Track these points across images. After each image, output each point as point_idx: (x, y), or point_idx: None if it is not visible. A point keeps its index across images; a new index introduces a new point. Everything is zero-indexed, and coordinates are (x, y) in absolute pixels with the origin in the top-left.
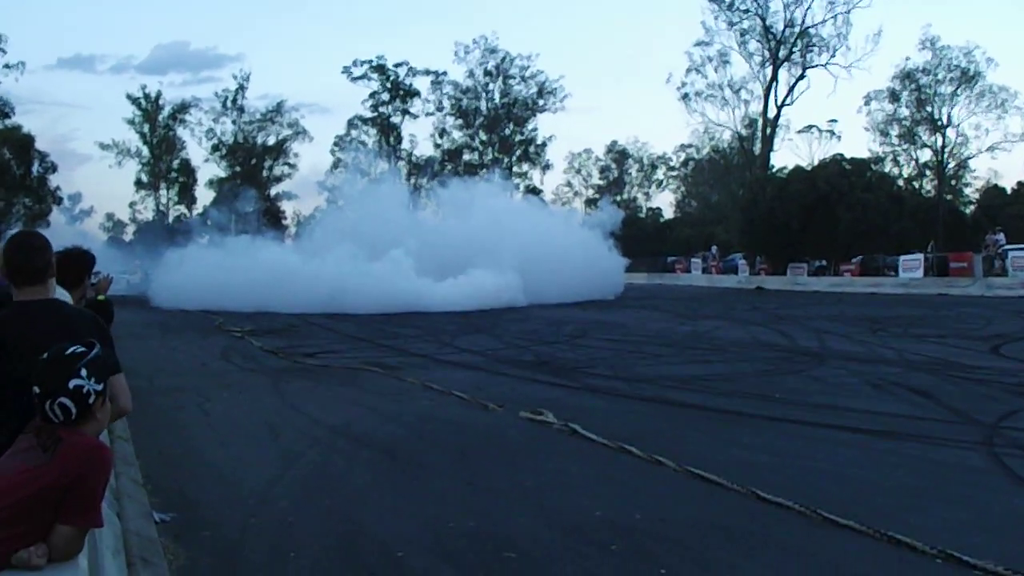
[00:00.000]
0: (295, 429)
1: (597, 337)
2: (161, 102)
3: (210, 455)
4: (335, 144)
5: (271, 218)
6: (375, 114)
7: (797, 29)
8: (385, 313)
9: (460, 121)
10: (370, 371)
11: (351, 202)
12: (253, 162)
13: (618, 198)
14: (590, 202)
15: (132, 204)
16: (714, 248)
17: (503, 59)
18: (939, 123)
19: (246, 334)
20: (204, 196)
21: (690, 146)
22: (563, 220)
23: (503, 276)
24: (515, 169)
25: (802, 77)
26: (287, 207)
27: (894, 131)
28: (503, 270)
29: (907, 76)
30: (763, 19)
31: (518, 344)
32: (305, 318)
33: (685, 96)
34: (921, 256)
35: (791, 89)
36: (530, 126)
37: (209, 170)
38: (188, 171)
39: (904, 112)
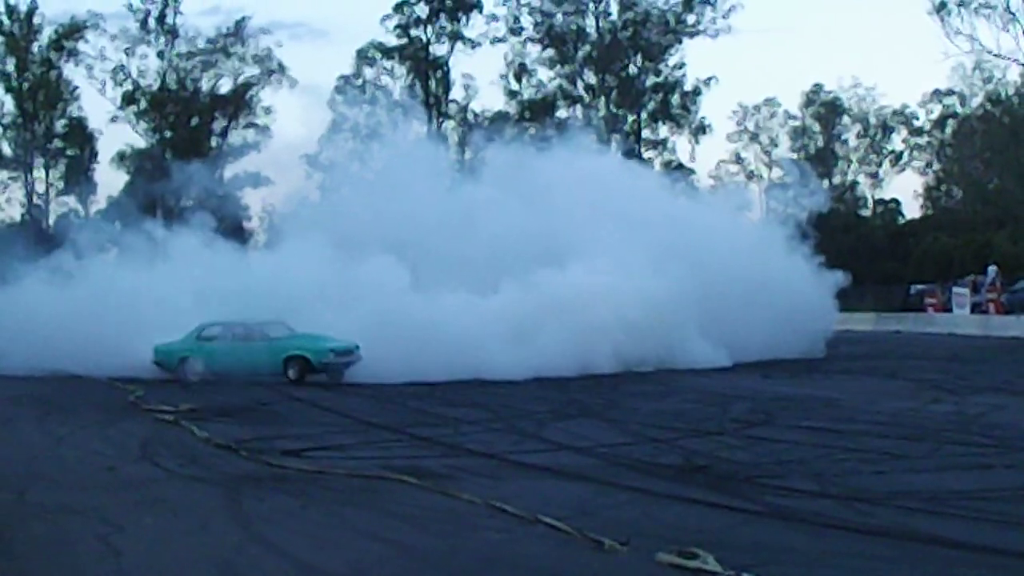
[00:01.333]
0: None
1: (789, 423)
2: (37, 20)
3: None
4: (337, 91)
5: (225, 217)
6: (404, 40)
7: None
8: (417, 383)
9: (551, 52)
10: (398, 481)
11: (355, 188)
12: (194, 122)
13: (825, 183)
14: (775, 189)
15: None
16: (992, 269)
17: None
18: None
19: (182, 416)
20: (110, 181)
21: (950, 94)
22: (723, 210)
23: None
24: (646, 134)
25: None
26: (252, 198)
27: None
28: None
29: None
30: None
31: (652, 436)
32: (282, 389)
33: (941, 7)
34: None
35: None
36: (671, 61)
37: (119, 136)
38: (83, 138)
39: None
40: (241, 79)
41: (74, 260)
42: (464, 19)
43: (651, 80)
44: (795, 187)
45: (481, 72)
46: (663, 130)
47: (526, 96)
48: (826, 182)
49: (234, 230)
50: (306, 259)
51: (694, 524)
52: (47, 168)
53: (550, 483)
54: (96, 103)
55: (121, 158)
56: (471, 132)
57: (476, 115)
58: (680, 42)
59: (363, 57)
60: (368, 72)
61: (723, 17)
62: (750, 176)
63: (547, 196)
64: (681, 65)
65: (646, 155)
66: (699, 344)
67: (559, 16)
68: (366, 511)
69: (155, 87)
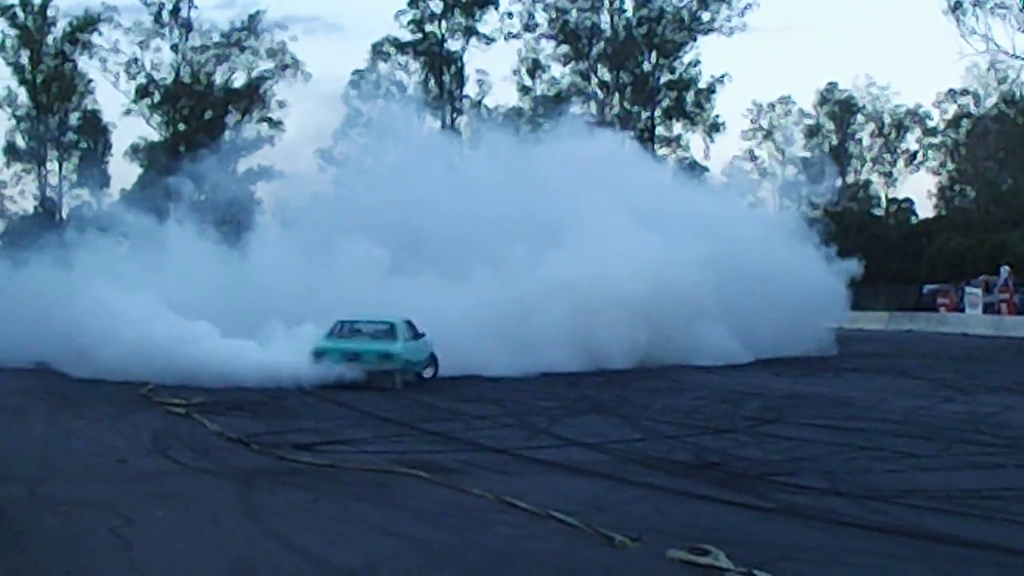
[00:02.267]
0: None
1: (801, 421)
2: (51, 13)
3: None
4: (351, 85)
5: (236, 214)
6: (419, 35)
7: None
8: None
9: (565, 49)
10: (410, 476)
11: (365, 181)
12: (207, 116)
13: (839, 182)
14: (789, 189)
15: None
16: (1005, 270)
17: None
18: None
19: (193, 409)
20: (123, 174)
21: (964, 93)
22: (734, 203)
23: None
24: (660, 131)
25: None
26: (264, 193)
27: None
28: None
29: None
30: None
31: (664, 432)
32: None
33: (956, 6)
34: None
35: None
36: (686, 58)
37: (132, 129)
38: (96, 131)
39: None
40: (255, 73)
41: (80, 253)
42: (479, 15)
43: (665, 77)
44: (809, 179)
45: (495, 68)
46: (677, 127)
47: (540, 92)
48: (840, 181)
49: (246, 224)
50: (304, 255)
51: (706, 521)
52: (60, 161)
53: (562, 479)
54: (110, 96)
55: (134, 151)
56: (484, 127)
57: (489, 110)
58: (695, 39)
59: (378, 52)
60: (383, 67)
61: (738, 15)
62: (763, 174)
63: (548, 181)
64: (696, 62)
65: (660, 152)
66: (719, 336)
67: (574, 12)
68: (377, 505)
69: (169, 80)
